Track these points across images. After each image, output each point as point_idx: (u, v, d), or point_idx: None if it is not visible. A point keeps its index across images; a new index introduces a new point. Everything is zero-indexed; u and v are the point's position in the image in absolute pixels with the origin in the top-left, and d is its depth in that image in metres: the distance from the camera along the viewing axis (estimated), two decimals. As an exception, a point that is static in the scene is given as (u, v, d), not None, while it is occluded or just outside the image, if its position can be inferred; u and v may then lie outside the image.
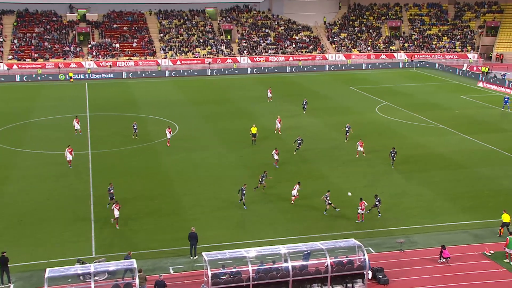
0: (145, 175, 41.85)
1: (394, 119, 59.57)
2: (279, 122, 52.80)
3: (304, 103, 63.01)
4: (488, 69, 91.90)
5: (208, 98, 71.81)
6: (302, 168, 42.99)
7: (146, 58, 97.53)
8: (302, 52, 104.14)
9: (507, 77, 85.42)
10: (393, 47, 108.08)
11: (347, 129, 50.70)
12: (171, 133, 49.42)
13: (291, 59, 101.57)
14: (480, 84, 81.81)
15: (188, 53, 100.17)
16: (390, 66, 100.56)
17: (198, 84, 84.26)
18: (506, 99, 64.14)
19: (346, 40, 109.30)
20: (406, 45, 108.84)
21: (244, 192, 35.22)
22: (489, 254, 29.44)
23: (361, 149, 45.07)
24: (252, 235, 31.62)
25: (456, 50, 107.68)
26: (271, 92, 69.25)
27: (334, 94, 74.79)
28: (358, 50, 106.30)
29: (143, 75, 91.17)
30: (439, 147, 48.92)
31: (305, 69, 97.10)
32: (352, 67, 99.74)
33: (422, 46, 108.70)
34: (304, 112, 62.01)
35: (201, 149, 48.46)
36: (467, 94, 74.26)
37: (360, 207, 33.26)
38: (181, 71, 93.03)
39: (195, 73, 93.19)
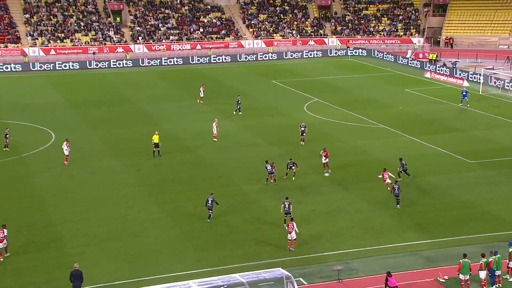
0: (11, 198, 40.50)
1: (327, 119, 61.10)
2: (216, 126, 53.24)
3: (238, 101, 63.67)
4: (437, 56, 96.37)
5: (94, 98, 70.60)
6: (217, 181, 43.22)
7: (6, 46, 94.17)
8: (212, 38, 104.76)
9: (458, 65, 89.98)
10: (323, 31, 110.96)
11: (302, 129, 52.18)
12: (69, 147, 47.38)
13: (198, 47, 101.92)
14: (428, 75, 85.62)
15: (64, 40, 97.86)
16: (320, 54, 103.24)
17: (79, 80, 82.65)
18: (464, 93, 67.27)
19: (266, 23, 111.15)
20: (338, 28, 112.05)
21: (212, 203, 36.43)
22: (443, 280, 30.65)
23: (326, 160, 45.07)
24: (153, 270, 31.36)
25: (398, 33, 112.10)
26: (204, 90, 68.71)
27: (253, 90, 75.73)
28: (281, 35, 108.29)
29: (4, 68, 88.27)
30: (381, 151, 50.65)
31: (217, 59, 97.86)
32: (274, 56, 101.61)
33: (358, 29, 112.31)
34: (238, 112, 62.92)
35: (86, 163, 47.54)
36: (412, 87, 77.47)
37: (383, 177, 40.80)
38: (56, 63, 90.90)
39: (75, 65, 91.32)
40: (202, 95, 68.30)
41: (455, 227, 36.30)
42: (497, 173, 45.31)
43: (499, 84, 75.93)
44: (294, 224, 33.49)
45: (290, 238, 33.39)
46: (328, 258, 32.85)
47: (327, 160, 45.21)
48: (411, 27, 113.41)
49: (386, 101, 69.17)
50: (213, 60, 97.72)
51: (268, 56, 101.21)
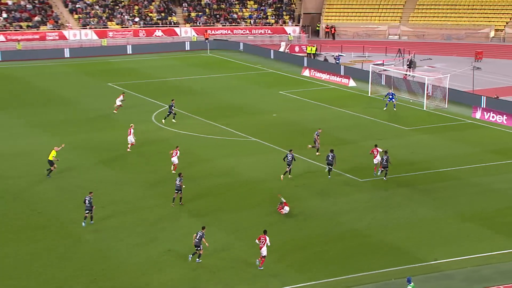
0: None
1: (182, 131, 61.36)
2: (131, 135, 54.87)
3: (172, 106, 63.66)
4: (316, 50, 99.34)
5: None
6: (34, 221, 42.42)
7: None
8: (21, 27, 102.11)
9: (342, 60, 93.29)
10: (173, 18, 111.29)
11: (316, 136, 54.54)
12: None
13: (1, 38, 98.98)
14: (306, 73, 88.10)
15: None
16: (170, 48, 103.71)
17: None
18: (390, 96, 70.03)
19: (97, 7, 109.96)
20: (193, 14, 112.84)
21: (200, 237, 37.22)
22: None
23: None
24: None
25: (268, 21, 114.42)
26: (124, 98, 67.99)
27: (81, 95, 75.21)
28: (117, 24, 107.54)
29: None
30: (253, 171, 51.59)
31: (26, 55, 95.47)
32: (110, 51, 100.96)
33: (218, 16, 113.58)
34: (171, 120, 63.45)
35: None
36: (288, 89, 79.48)
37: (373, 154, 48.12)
38: None
39: None
40: (119, 103, 67.34)
41: (342, 264, 37.35)
42: (392, 194, 47.44)
43: (390, 83, 79.40)
44: (267, 238, 36.41)
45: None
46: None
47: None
48: (284, 12, 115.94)
49: (256, 107, 70.53)
50: (23, 56, 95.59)
51: (102, 51, 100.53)
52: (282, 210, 43.21)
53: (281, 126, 63.85)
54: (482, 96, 70.68)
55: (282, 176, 49.36)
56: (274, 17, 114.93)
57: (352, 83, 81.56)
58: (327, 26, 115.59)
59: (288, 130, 62.65)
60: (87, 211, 41.56)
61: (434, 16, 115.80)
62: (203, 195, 46.67)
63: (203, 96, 74.72)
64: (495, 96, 70.99)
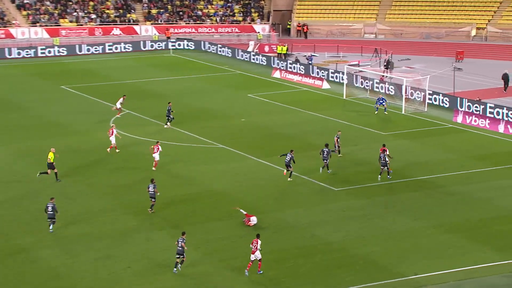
0: None
1: (143, 138, 60.81)
2: (113, 136, 56.25)
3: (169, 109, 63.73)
4: (287, 50, 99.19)
5: None
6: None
7: None
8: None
9: (315, 61, 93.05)
10: (132, 16, 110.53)
11: (336, 139, 56.08)
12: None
13: None
14: (277, 74, 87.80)
15: None
16: (130, 48, 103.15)
17: None
18: (381, 100, 69.83)
19: (48, 2, 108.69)
20: (154, 11, 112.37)
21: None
22: None
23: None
24: None
25: (236, 19, 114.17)
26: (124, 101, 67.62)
27: (31, 100, 74.82)
28: (71, 21, 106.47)
29: None
30: (219, 181, 51.11)
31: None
32: (63, 51, 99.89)
33: (181, 13, 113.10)
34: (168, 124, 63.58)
35: None
36: (258, 91, 79.19)
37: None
38: None
39: None
40: (119, 106, 66.92)
41: (315, 279, 36.92)
42: (369, 203, 47.20)
43: (367, 85, 79.24)
44: (259, 241, 37.02)
45: (253, 259, 36.86)
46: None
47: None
48: (252, 9, 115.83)
49: (223, 112, 70.14)
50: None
51: (54, 51, 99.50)
52: (249, 222, 42.75)
53: (250, 132, 63.61)
54: (464, 99, 70.45)
55: (285, 171, 51.09)
56: (242, 14, 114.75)
57: (326, 85, 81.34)
58: (299, 24, 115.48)
59: (258, 135, 62.44)
60: (50, 219, 41.79)
61: (412, 14, 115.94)
62: (167, 206, 46.17)
63: (165, 99, 73.69)
64: (477, 99, 70.85)
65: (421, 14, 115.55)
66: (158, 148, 51.90)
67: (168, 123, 63.97)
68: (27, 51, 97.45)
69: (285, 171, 50.60)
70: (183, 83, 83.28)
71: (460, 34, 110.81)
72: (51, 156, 50.49)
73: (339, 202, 47.41)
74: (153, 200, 44.80)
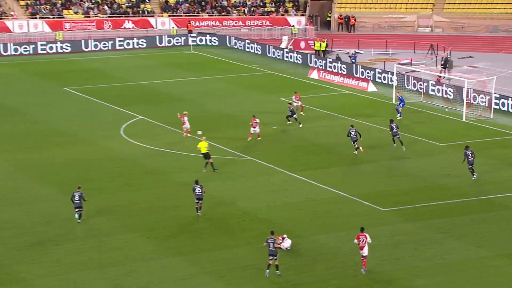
0: None
1: (157, 148, 61.38)
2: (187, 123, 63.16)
3: None
4: (327, 46, 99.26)
5: None
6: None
7: None
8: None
9: (359, 59, 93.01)
10: (146, 6, 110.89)
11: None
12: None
13: None
14: (314, 75, 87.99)
15: None
16: (144, 43, 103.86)
17: None
18: (400, 101, 70.33)
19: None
20: (171, 1, 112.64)
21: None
22: None
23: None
24: None
25: (267, 10, 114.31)
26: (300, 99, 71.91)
27: (30, 103, 75.48)
28: (76, 13, 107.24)
29: None
30: (247, 199, 51.36)
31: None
32: (67, 47, 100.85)
33: (204, 3, 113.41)
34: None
35: None
36: (292, 95, 78.73)
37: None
38: None
39: None
40: (299, 102, 71.94)
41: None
42: (423, 226, 47.03)
43: (420, 88, 79.20)
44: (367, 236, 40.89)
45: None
46: None
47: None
48: (286, 1, 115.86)
49: (250, 118, 70.11)
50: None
51: (56, 48, 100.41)
52: (281, 245, 42.42)
53: (282, 141, 63.93)
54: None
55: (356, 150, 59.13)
56: (273, 4, 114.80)
57: (371, 87, 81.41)
58: (341, 16, 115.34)
59: (290, 146, 62.68)
60: (77, 208, 46.25)
61: (476, 3, 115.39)
62: (184, 230, 46.48)
63: (185, 103, 74.31)
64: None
65: (486, 3, 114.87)
66: (257, 122, 62.06)
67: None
68: (26, 47, 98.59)
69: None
70: (205, 85, 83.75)
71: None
72: (202, 145, 55.78)
73: (387, 225, 47.33)
74: (200, 202, 47.78)
